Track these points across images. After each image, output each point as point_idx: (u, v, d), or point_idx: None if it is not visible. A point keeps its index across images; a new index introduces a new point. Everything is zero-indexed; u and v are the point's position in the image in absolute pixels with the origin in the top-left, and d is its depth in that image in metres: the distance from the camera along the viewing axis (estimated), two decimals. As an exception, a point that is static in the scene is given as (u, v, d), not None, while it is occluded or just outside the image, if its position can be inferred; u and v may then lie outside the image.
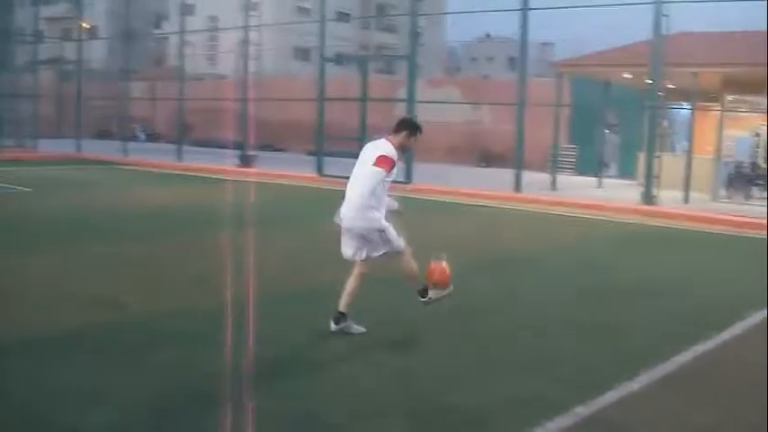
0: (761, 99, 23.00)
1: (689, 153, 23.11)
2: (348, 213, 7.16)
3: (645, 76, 21.83)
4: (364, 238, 7.14)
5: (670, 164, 22.10)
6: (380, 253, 7.19)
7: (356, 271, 7.30)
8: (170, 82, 36.37)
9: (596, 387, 5.91)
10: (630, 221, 17.80)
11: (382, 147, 7.25)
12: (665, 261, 12.81)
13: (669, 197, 20.67)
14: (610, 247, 14.28)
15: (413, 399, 5.64)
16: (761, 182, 23.90)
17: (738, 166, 24.35)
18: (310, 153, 28.55)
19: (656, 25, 20.24)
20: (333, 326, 7.18)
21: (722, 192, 23.32)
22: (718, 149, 23.84)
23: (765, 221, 17.08)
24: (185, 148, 31.69)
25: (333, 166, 25.33)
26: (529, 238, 14.83)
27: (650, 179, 20.51)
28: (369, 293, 7.36)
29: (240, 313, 7.54)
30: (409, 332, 7.46)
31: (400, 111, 25.78)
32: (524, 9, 22.34)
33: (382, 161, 7.09)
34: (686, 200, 21.39)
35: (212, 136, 37.49)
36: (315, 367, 6.36)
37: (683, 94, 23.55)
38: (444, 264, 7.45)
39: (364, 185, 7.06)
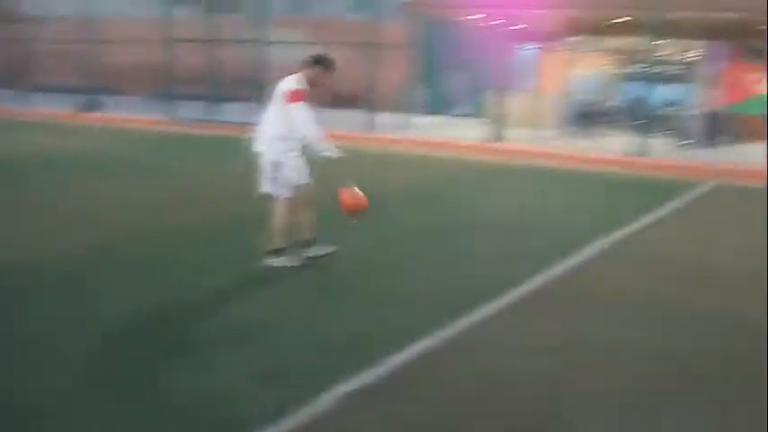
0: (604, 40, 24.13)
1: (536, 91, 24.04)
2: (264, 147, 7.55)
3: (494, 17, 22.52)
4: (279, 171, 7.51)
5: (518, 102, 22.96)
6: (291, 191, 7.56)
7: (283, 208, 7.65)
8: (4, 24, 34.87)
9: (453, 313, 6.38)
10: (481, 158, 18.50)
11: (292, 81, 7.54)
12: (513, 195, 13.50)
13: (518, 135, 21.50)
14: (461, 184, 14.87)
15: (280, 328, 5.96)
16: (603, 118, 25.15)
17: (582, 104, 25.50)
18: (157, 96, 28.06)
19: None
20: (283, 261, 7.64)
21: (568, 129, 24.38)
22: (564, 89, 24.87)
23: (613, 157, 18.16)
24: (27, 93, 30.58)
25: (182, 109, 25.15)
26: (384, 178, 15.23)
27: (499, 117, 21.30)
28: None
29: (118, 255, 7.71)
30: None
31: (249, 52, 25.76)
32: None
33: (294, 96, 7.44)
34: (534, 137, 22.30)
35: (54, 80, 36.26)
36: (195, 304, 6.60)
37: (532, 34, 24.33)
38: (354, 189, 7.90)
39: (285, 120, 7.43)
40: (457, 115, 27.72)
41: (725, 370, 5.52)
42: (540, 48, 24.86)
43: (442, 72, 28.66)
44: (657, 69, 20.84)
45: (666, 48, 22.55)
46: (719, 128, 23.56)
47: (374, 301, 6.85)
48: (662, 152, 19.65)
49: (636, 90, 23.59)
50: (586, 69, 25.85)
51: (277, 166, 7.51)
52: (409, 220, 10.79)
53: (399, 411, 4.60)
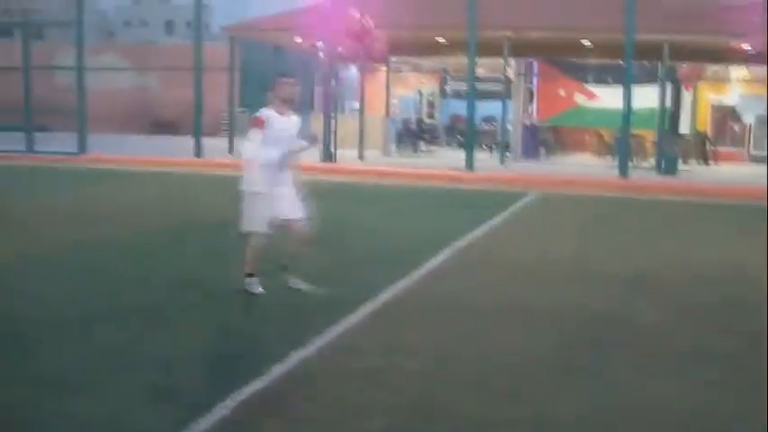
0: (423, 60, 25.11)
1: (360, 112, 24.73)
2: None
3: (314, 40, 23.08)
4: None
5: (344, 124, 23.55)
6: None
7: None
8: None
9: (330, 320, 6.74)
10: (314, 179, 18.82)
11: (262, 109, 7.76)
12: (353, 214, 13.91)
13: (347, 155, 22.09)
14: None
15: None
16: (426, 136, 26.16)
17: (405, 122, 26.43)
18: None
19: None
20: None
21: (395, 147, 25.22)
22: (387, 108, 25.68)
23: (441, 172, 18.96)
24: None
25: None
26: (214, 202, 15.27)
27: (328, 138, 21.81)
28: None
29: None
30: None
31: (62, 78, 25.29)
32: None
33: (252, 122, 7.75)
34: (361, 156, 22.96)
35: None
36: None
37: (355, 56, 24.98)
38: None
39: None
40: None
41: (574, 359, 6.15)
42: (363, 69, 25.55)
43: (265, 96, 28.92)
44: (477, 86, 21.80)
45: (485, 65, 23.68)
46: (539, 141, 24.99)
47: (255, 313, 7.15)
48: (487, 166, 20.68)
49: (457, 107, 24.68)
50: (409, 89, 26.80)
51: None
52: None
53: (296, 410, 4.92)
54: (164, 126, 34.12)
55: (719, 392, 5.36)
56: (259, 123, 7.56)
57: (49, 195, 15.46)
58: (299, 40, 25.85)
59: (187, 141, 23.49)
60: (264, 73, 28.47)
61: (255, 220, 7.52)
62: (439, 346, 6.32)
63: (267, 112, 7.64)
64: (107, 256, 9.52)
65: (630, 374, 5.70)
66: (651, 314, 7.37)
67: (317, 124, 23.06)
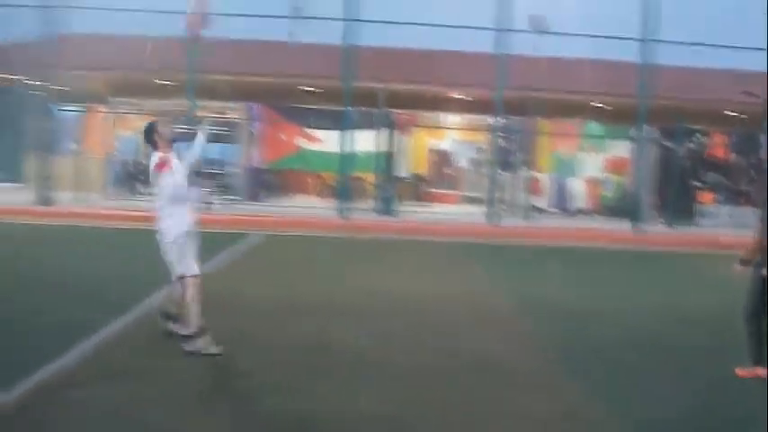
0: (144, 101, 25.45)
1: (80, 154, 24.65)
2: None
3: (30, 78, 22.86)
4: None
5: (64, 165, 23.37)
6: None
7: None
8: None
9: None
10: (28, 222, 18.59)
11: (153, 160, 7.77)
12: (68, 256, 14.07)
13: (67, 198, 21.97)
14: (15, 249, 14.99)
15: None
16: (143, 177, 26.40)
17: (124, 164, 26.56)
18: None
19: (46, 25, 21.53)
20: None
21: (117, 190, 25.27)
22: (107, 149, 25.68)
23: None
24: None
25: None
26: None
27: (44, 180, 21.64)
28: None
29: None
30: None
31: None
32: None
33: (157, 168, 7.68)
34: (84, 199, 22.86)
35: None
36: None
37: (71, 96, 24.84)
38: None
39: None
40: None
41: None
42: (83, 109, 25.51)
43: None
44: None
45: (208, 109, 24.30)
46: (263, 184, 25.95)
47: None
48: (215, 208, 21.33)
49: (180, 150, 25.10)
50: (131, 130, 26.97)
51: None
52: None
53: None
54: None
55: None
56: (167, 165, 7.66)
57: None
58: (14, 77, 25.26)
59: None
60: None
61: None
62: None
63: (165, 156, 7.73)
64: None
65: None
66: (357, 341, 8.46)
67: (33, 166, 22.85)
